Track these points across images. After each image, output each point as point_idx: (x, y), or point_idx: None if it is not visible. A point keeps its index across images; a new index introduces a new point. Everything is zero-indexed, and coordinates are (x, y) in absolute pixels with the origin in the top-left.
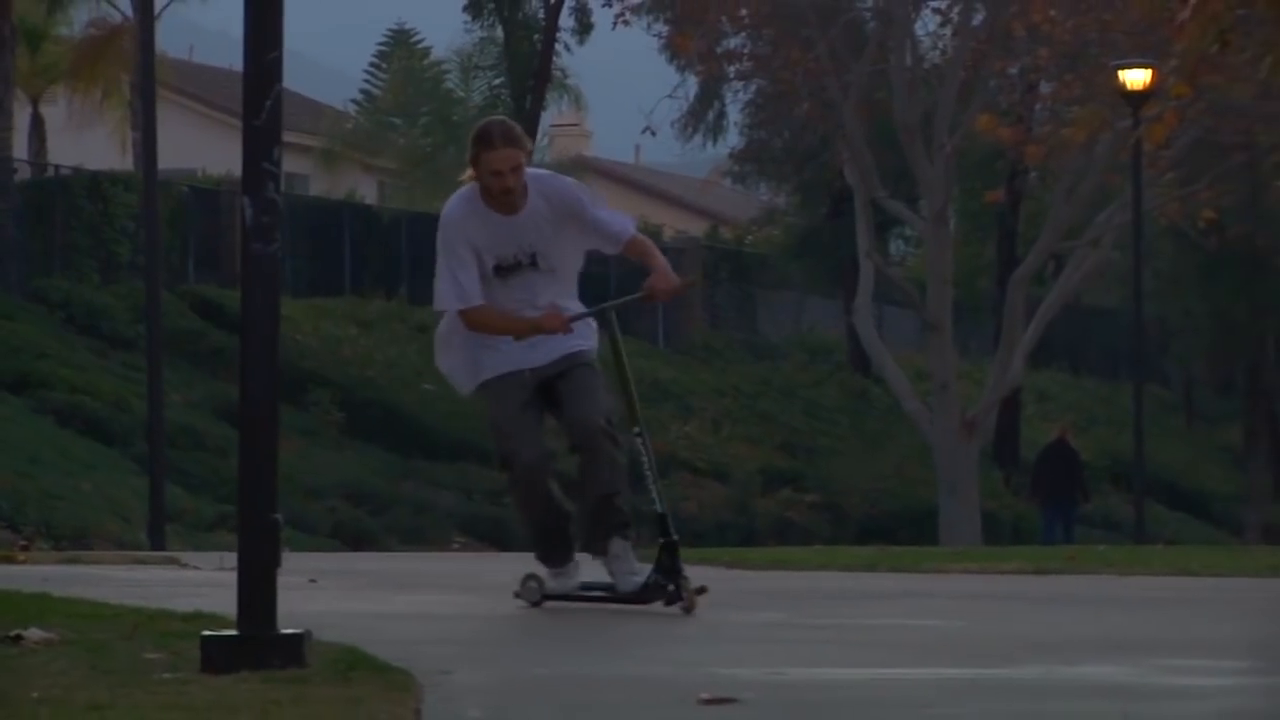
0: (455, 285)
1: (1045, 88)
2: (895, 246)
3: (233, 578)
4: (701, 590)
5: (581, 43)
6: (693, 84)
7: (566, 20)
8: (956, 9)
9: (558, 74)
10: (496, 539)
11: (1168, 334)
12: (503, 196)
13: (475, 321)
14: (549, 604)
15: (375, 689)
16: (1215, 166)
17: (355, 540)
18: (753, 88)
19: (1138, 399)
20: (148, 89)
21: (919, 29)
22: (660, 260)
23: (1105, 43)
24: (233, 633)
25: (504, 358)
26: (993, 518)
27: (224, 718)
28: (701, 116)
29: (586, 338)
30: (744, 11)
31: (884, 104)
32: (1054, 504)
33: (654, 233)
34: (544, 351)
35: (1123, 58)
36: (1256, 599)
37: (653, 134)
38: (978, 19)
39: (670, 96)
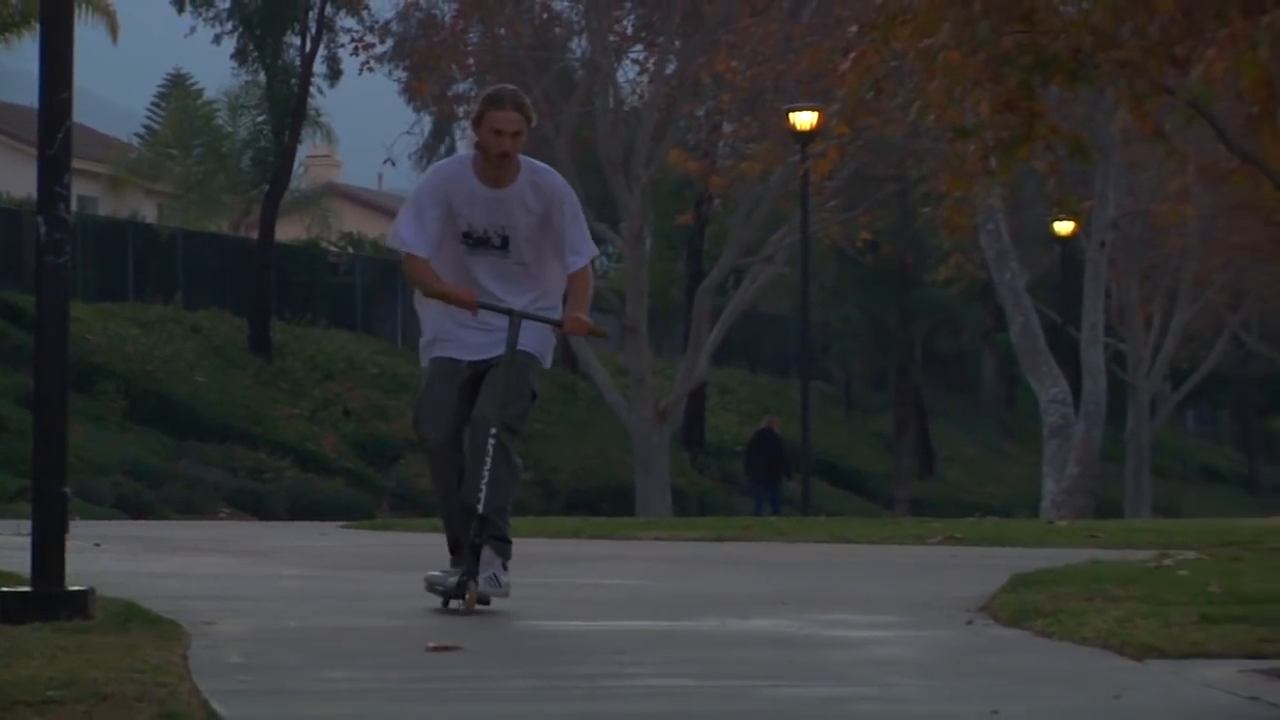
0: (408, 227)
1: (727, 127)
2: (600, 262)
3: (28, 542)
4: (484, 601)
5: (333, 86)
6: (427, 122)
7: (320, 67)
8: (652, 60)
9: (312, 113)
10: (258, 509)
11: (830, 337)
12: (498, 160)
13: (409, 269)
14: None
15: (149, 637)
16: (871, 195)
17: (136, 510)
18: None
19: (805, 392)
20: None
21: (620, 77)
22: (584, 303)
23: (779, 89)
24: (27, 589)
25: (453, 347)
26: (681, 493)
27: (17, 662)
28: (435, 149)
29: (535, 340)
30: (471, 61)
31: (590, 140)
32: (763, 484)
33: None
34: (488, 348)
35: (793, 102)
36: (904, 563)
37: (393, 164)
38: (670, 68)
39: (408, 133)
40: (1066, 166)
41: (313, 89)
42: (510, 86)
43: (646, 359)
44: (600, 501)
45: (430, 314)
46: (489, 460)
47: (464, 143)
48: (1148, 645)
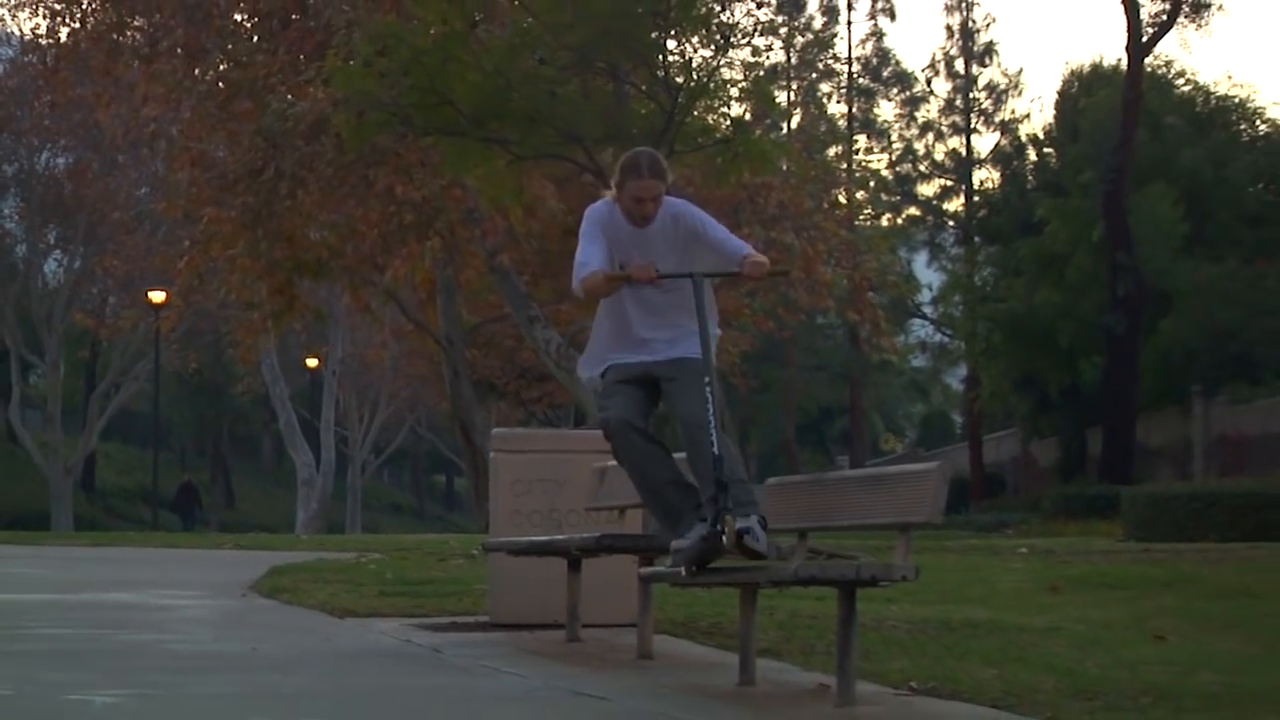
0: (580, 265)
1: (112, 299)
2: (33, 378)
3: None
4: (744, 532)
5: None
6: None
7: None
8: (66, 258)
9: None
10: None
11: (172, 425)
12: (641, 222)
13: (587, 286)
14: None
15: None
16: (197, 341)
17: None
18: None
19: (155, 459)
20: None
21: (46, 269)
22: (758, 254)
23: (143, 277)
24: None
25: (625, 354)
26: (80, 518)
27: None
28: None
29: (696, 347)
30: None
31: (26, 307)
32: (185, 514)
33: None
34: (659, 352)
35: (151, 284)
36: (208, 560)
37: None
38: (78, 264)
39: None
40: (313, 327)
41: None
42: (646, 151)
43: (59, 435)
44: (30, 523)
45: (598, 337)
46: (712, 421)
47: None
48: (347, 609)
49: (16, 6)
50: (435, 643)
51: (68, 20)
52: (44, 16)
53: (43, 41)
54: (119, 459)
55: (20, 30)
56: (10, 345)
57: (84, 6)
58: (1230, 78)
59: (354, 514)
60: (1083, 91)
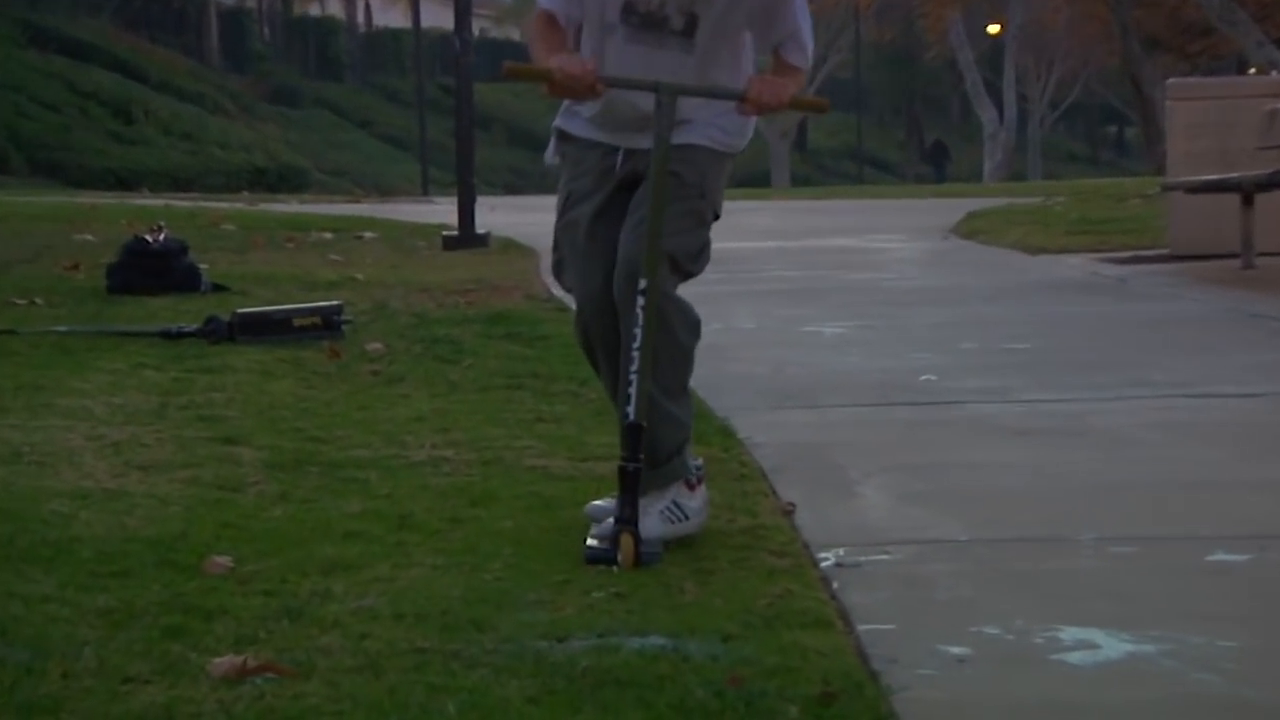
0: None
1: None
2: None
3: (454, 208)
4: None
5: None
6: None
7: None
8: None
9: None
10: None
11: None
12: None
13: (534, 27)
14: None
15: (520, 253)
16: (892, 13)
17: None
18: None
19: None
20: None
21: None
22: (789, 78)
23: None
24: (457, 233)
25: (585, 126)
26: (795, 175)
27: (452, 270)
28: None
29: (710, 127)
30: None
31: None
32: (940, 168)
33: None
34: (643, 133)
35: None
36: (911, 208)
37: None
38: None
39: None
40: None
41: None
42: None
43: None
44: (754, 182)
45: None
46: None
47: None
48: (1039, 246)
49: None
50: (1120, 274)
51: None
52: None
53: None
54: (827, 122)
55: None
56: None
57: None
58: None
59: (1035, 163)
60: None
